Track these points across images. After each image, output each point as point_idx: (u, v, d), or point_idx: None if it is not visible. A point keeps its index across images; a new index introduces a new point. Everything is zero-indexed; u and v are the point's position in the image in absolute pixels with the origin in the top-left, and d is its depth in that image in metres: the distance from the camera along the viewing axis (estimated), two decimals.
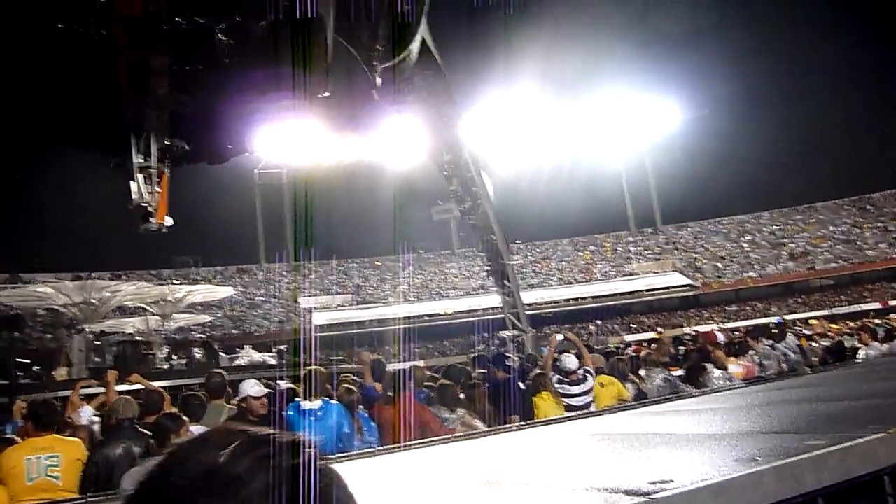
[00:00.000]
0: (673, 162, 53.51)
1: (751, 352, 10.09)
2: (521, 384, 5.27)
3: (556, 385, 6.42)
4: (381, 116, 13.52)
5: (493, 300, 33.61)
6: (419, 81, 15.63)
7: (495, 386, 5.04)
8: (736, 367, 8.95)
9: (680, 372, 7.82)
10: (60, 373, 23.73)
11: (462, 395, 5.56)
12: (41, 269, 43.50)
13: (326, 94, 10.70)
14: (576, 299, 50.91)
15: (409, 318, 46.16)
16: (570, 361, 6.53)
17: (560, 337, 9.52)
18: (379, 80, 11.71)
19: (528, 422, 4.16)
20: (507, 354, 5.59)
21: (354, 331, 44.64)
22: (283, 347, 27.74)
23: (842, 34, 51.69)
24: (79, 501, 3.51)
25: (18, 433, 5.35)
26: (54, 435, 4.59)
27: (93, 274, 39.81)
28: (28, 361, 28.59)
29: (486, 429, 4.54)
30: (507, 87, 21.67)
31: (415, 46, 14.01)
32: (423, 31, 15.51)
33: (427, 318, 47.53)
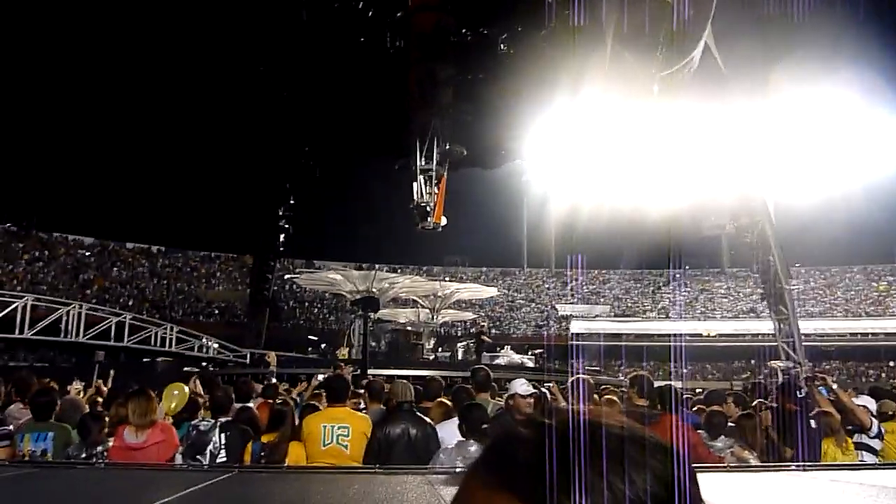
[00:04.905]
0: None
1: None
2: (811, 422, 4.70)
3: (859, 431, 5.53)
4: (657, 124, 13.11)
5: (765, 326, 30.98)
6: (698, 87, 14.88)
7: (779, 418, 4.54)
8: None
9: None
10: (342, 352, 26.51)
11: (732, 424, 5.17)
12: (329, 257, 49.15)
13: (603, 101, 10.59)
14: (864, 334, 45.02)
15: (668, 335, 44.25)
16: (870, 402, 5.72)
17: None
18: (656, 88, 11.34)
19: (813, 463, 3.71)
20: (800, 386, 5.02)
21: (611, 342, 43.88)
22: (538, 351, 28.09)
23: None
24: (366, 471, 3.88)
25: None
26: (348, 408, 5.16)
27: (375, 265, 43.97)
28: (317, 339, 32.53)
29: (761, 463, 4.16)
30: (801, 93, 19.68)
31: (697, 54, 13.36)
32: (706, 38, 14.74)
33: (688, 338, 45.16)
